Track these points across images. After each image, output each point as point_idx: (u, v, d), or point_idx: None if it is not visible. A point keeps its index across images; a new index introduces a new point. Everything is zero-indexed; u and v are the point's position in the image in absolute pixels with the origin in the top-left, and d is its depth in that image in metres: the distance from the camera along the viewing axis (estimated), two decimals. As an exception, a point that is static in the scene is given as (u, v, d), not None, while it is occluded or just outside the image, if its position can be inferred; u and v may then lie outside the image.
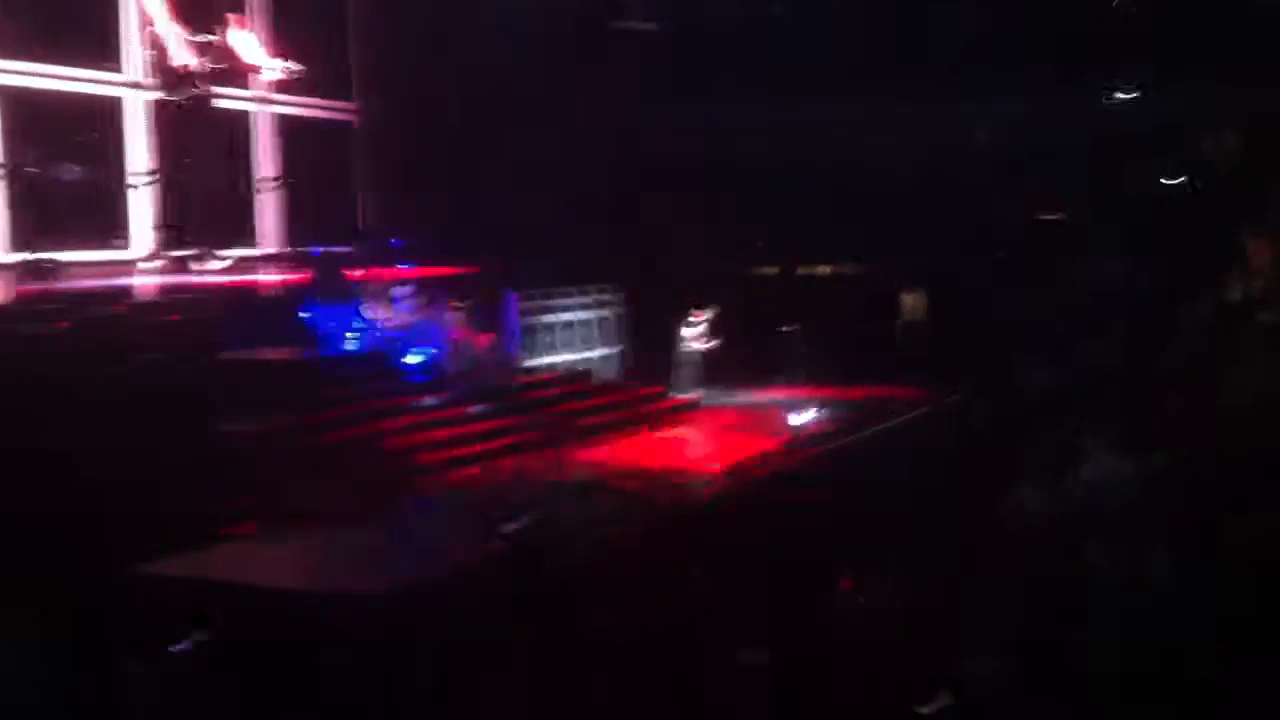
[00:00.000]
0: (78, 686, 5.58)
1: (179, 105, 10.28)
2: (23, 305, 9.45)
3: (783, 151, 14.36)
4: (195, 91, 10.12)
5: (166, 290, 10.31)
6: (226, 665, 5.52)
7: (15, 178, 9.78)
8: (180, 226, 10.65)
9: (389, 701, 5.49)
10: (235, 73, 10.57)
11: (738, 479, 9.05)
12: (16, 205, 9.86)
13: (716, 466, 9.53)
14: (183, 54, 10.09)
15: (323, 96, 13.04)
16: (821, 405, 11.37)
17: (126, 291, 10.02)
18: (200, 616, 5.55)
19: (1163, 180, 13.59)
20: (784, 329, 13.62)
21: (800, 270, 16.08)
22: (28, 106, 10.03)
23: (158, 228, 10.54)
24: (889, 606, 7.54)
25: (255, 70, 10.61)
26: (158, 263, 10.59)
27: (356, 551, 6.93)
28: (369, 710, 5.49)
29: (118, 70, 10.62)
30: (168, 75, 10.19)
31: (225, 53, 10.28)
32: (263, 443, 8.13)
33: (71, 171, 10.42)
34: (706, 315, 12.85)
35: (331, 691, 5.42)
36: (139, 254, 10.54)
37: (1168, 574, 7.60)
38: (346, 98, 13.36)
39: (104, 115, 10.52)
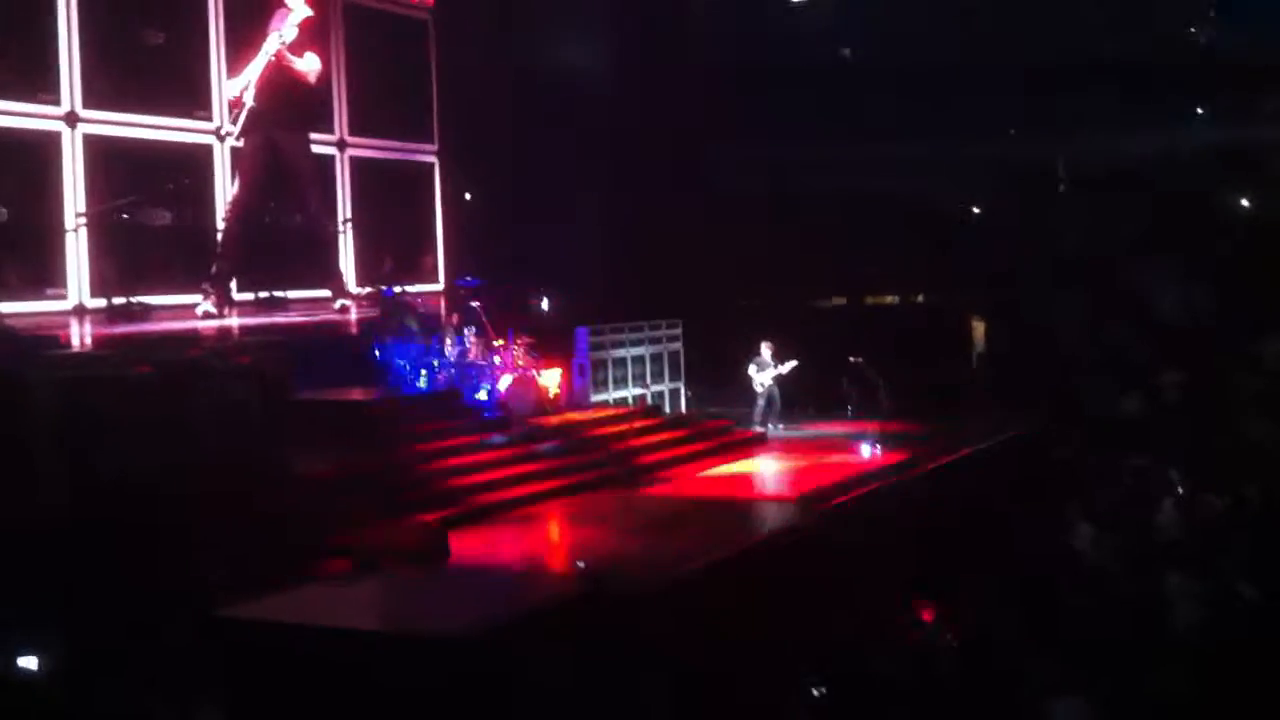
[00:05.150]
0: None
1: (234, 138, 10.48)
2: (108, 348, 9.70)
3: (849, 183, 14.47)
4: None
5: (245, 331, 10.53)
6: (309, 710, 5.65)
7: (102, 224, 10.14)
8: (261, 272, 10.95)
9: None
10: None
11: (811, 510, 9.09)
12: (103, 251, 10.20)
13: (789, 497, 9.60)
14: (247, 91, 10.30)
15: (401, 139, 13.37)
16: (890, 436, 11.40)
17: (208, 333, 10.24)
18: (283, 659, 5.69)
19: (1238, 206, 13.52)
20: (852, 359, 13.66)
21: (868, 300, 16.11)
22: (114, 154, 10.37)
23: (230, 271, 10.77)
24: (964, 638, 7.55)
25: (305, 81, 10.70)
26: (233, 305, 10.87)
27: (434, 591, 7.05)
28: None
29: (207, 118, 10.98)
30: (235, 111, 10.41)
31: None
32: (338, 482, 8.28)
33: (159, 217, 10.78)
34: (771, 348, 12.93)
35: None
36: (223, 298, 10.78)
37: (1252, 607, 7.55)
38: (425, 139, 13.67)
39: (193, 162, 10.86)
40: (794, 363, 12.88)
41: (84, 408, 7.79)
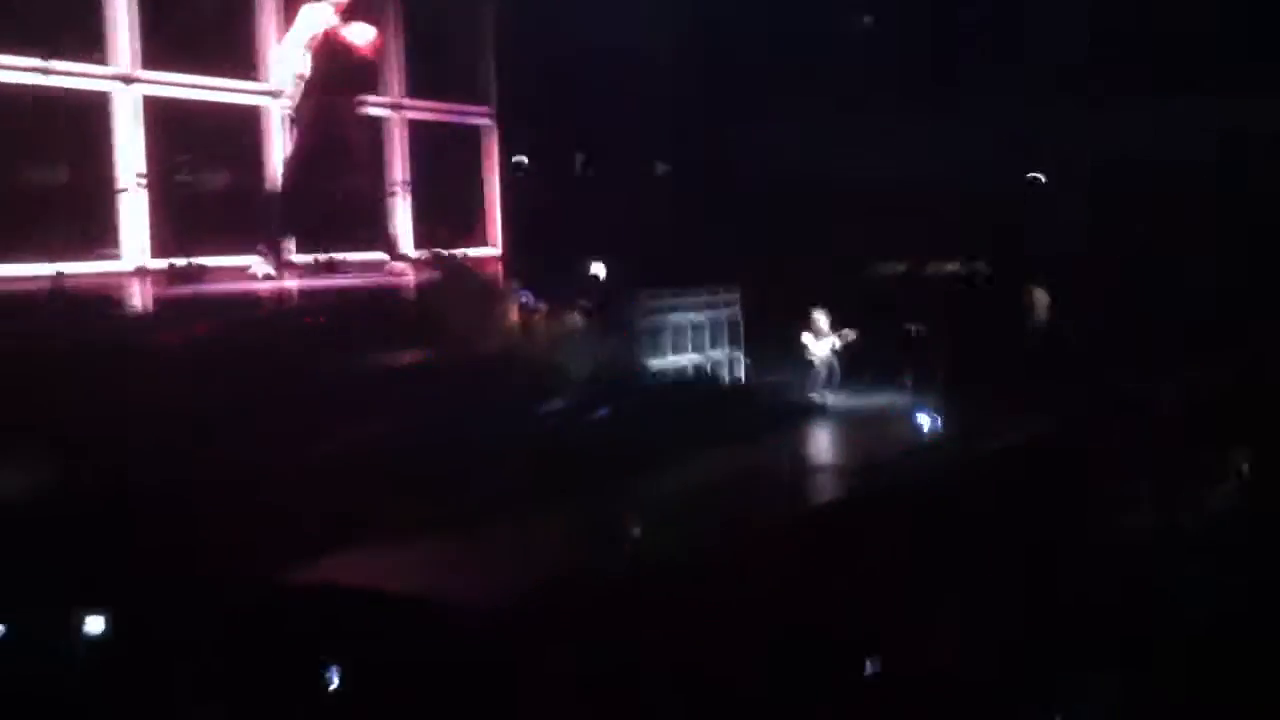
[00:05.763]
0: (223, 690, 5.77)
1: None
2: (169, 308, 9.80)
3: (906, 152, 14.24)
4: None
5: (305, 293, 10.59)
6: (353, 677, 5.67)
7: (161, 185, 10.20)
8: (315, 231, 10.98)
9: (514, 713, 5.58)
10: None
11: (863, 483, 9.01)
12: (161, 212, 10.26)
13: (843, 469, 9.50)
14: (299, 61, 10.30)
15: (455, 100, 13.31)
16: (949, 409, 11.21)
17: (270, 295, 10.31)
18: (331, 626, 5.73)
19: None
20: (911, 329, 13.43)
21: (930, 268, 15.85)
22: (172, 117, 10.40)
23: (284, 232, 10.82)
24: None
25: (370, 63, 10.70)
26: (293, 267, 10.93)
27: (479, 556, 7.05)
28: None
29: (258, 79, 10.99)
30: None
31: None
32: (390, 445, 8.30)
33: (215, 179, 10.85)
34: (826, 317, 12.76)
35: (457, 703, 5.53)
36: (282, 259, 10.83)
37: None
38: (482, 102, 13.60)
39: (247, 124, 10.88)
40: (851, 333, 12.69)
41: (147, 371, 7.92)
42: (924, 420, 10.93)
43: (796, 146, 14.54)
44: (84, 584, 6.00)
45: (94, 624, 5.84)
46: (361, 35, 10.42)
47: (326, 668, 5.57)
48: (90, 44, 9.90)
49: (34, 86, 9.37)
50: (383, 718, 5.65)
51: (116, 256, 10.08)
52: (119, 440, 7.03)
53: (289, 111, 10.65)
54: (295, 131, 10.66)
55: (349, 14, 10.36)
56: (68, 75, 9.69)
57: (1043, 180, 12.76)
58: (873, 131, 14.31)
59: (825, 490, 9.49)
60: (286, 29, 10.56)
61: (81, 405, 7.16)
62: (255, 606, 6.03)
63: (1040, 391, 11.65)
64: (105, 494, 6.60)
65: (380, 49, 11.06)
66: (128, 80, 10.11)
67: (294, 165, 10.59)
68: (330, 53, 10.25)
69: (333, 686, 5.57)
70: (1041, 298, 14.19)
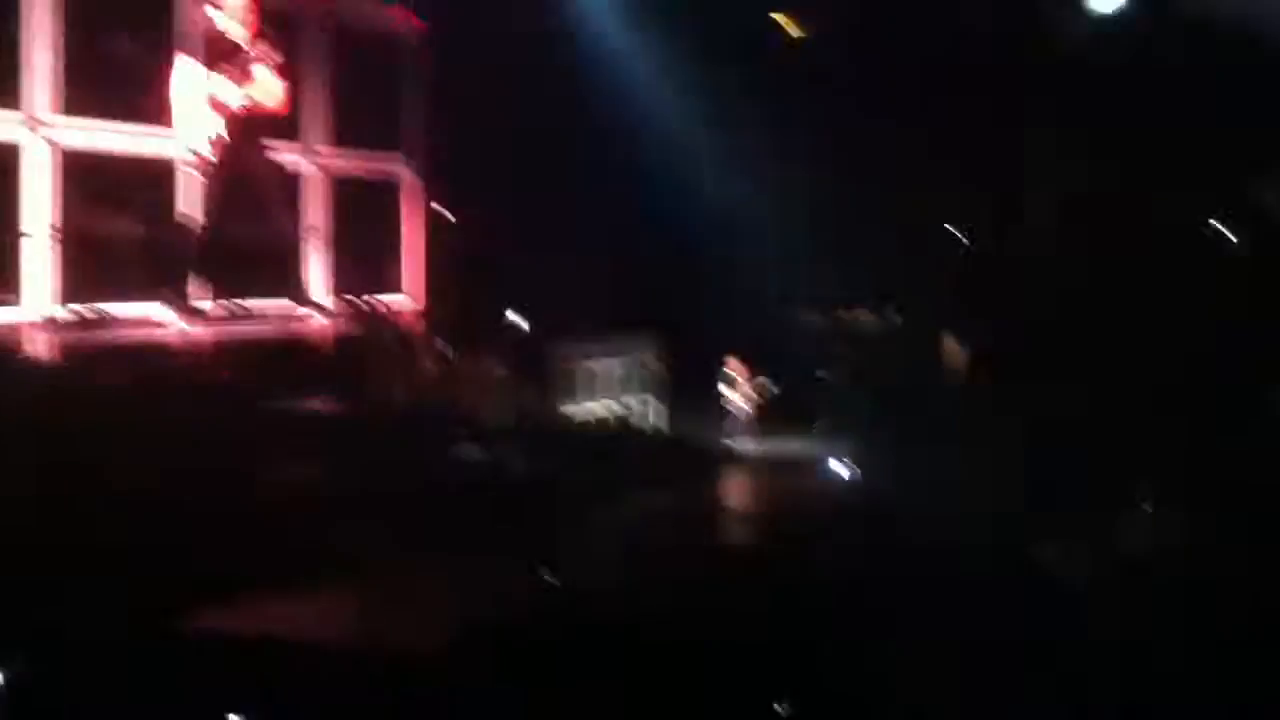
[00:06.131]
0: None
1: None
2: (73, 356, 9.63)
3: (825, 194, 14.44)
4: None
5: (214, 342, 10.46)
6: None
7: (65, 235, 10.02)
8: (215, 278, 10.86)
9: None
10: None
11: (767, 527, 9.08)
12: (67, 262, 10.07)
13: (750, 514, 9.55)
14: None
15: (375, 148, 13.26)
16: (858, 457, 11.33)
17: (176, 344, 10.17)
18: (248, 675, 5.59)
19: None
20: (820, 376, 13.59)
21: (840, 315, 16.02)
22: (83, 164, 10.27)
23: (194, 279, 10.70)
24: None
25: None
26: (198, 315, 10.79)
27: (399, 604, 6.96)
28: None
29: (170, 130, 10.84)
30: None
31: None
32: (302, 492, 8.20)
33: (123, 229, 10.67)
34: (740, 366, 12.90)
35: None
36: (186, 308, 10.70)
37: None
38: (400, 150, 13.56)
39: (159, 174, 10.76)
40: (762, 380, 12.89)
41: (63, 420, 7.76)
42: (838, 468, 11.05)
43: (714, 195, 14.70)
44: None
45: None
46: (269, 93, 10.37)
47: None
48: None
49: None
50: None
51: (16, 303, 9.87)
52: (24, 491, 6.87)
53: (197, 159, 10.50)
54: (205, 178, 10.54)
55: (246, 77, 10.29)
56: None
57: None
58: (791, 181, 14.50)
59: (742, 533, 9.52)
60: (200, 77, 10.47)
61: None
62: (170, 654, 5.88)
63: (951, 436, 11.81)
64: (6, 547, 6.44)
65: (290, 101, 10.99)
66: (34, 126, 9.97)
67: (204, 211, 10.49)
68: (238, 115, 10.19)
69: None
70: (953, 344, 14.47)
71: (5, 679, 5.58)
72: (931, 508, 9.23)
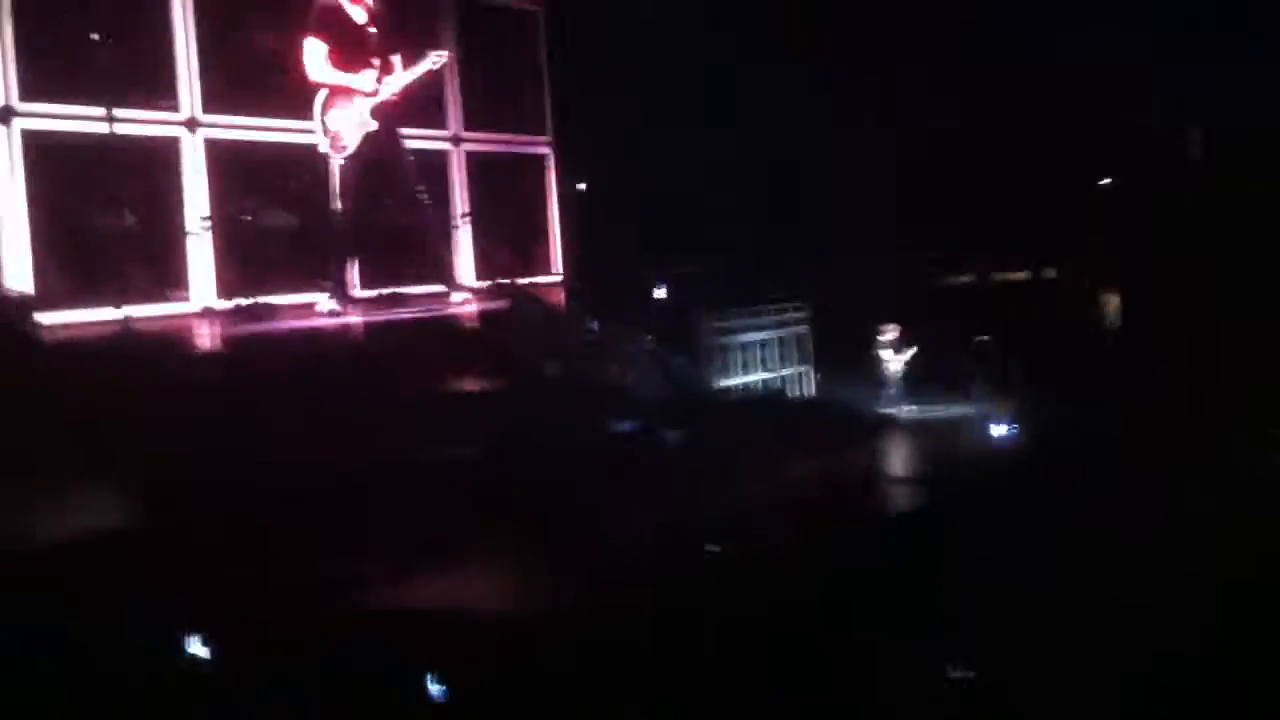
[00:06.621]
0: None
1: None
2: (237, 347, 9.88)
3: (975, 155, 14.09)
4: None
5: (368, 327, 10.63)
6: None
7: (225, 227, 10.29)
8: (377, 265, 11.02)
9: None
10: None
11: (930, 489, 8.87)
12: (226, 254, 10.37)
13: (912, 478, 9.33)
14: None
15: (513, 131, 13.35)
16: (1019, 418, 11.04)
17: (332, 330, 10.36)
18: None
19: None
20: (979, 339, 13.29)
21: (996, 277, 15.69)
22: (234, 159, 10.57)
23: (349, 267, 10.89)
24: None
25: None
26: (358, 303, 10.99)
27: (557, 574, 6.98)
28: None
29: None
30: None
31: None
32: (463, 474, 8.27)
33: (280, 218, 10.96)
34: (894, 329, 12.70)
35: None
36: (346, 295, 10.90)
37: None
38: (538, 131, 13.63)
39: (306, 162, 10.97)
40: (914, 349, 12.68)
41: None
42: (998, 429, 10.78)
43: (863, 158, 14.46)
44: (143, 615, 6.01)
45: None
46: (426, 67, 10.47)
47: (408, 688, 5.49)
48: (155, 91, 10.07)
49: (103, 135, 9.52)
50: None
51: (185, 298, 10.16)
52: (188, 476, 7.06)
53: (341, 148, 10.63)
54: (348, 167, 10.68)
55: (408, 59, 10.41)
56: (134, 122, 9.83)
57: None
58: (943, 134, 14.19)
59: (903, 501, 9.32)
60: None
61: (152, 444, 7.20)
62: (330, 631, 5.99)
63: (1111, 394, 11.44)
64: (173, 531, 6.62)
65: (431, 87, 11.09)
66: (193, 125, 10.24)
67: (353, 200, 10.64)
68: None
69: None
70: (1112, 301, 14.01)
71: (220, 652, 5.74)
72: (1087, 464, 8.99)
